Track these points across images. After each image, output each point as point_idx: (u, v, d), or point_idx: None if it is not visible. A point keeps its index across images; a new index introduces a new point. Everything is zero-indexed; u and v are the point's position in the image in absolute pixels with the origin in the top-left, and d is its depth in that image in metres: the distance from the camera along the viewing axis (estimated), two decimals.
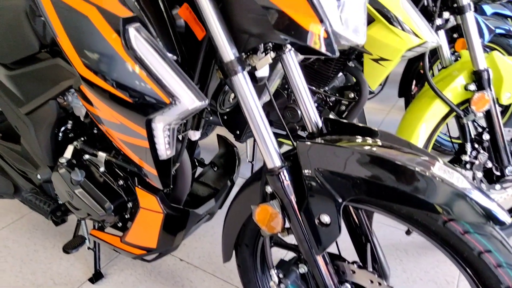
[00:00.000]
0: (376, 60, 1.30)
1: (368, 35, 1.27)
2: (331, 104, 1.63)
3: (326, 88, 1.62)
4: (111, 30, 0.68)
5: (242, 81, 0.71)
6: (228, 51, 0.69)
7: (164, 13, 0.77)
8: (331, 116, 1.57)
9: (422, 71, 1.95)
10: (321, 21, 0.59)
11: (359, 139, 0.77)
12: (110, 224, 1.14)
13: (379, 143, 0.74)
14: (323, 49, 0.60)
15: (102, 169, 1.07)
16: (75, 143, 1.10)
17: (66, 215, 1.23)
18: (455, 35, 1.61)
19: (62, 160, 1.08)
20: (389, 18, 1.21)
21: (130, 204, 1.08)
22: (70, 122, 1.15)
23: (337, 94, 1.61)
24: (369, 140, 0.76)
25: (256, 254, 0.97)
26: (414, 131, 1.37)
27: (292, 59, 0.84)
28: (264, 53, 0.80)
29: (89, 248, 1.41)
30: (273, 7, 0.60)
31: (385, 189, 0.67)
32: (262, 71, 0.81)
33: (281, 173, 0.74)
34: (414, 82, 2.08)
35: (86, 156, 1.09)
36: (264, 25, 0.63)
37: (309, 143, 0.73)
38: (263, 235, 0.83)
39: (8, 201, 1.89)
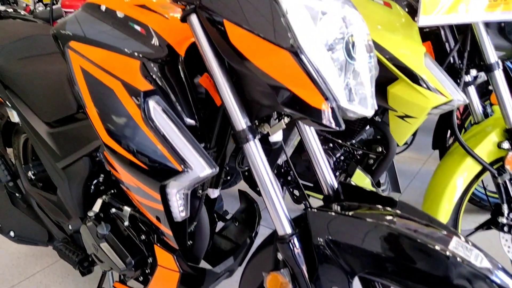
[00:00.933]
0: (401, 117, 1.29)
1: (391, 92, 1.28)
2: (358, 157, 1.61)
3: (353, 141, 1.61)
4: (132, 103, 0.73)
5: (253, 148, 0.73)
6: (240, 120, 0.72)
7: (185, 82, 0.82)
8: (359, 169, 1.54)
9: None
10: (326, 98, 0.61)
11: (376, 209, 0.75)
12: (131, 278, 1.16)
13: (397, 214, 0.72)
14: (329, 124, 0.61)
15: (126, 223, 1.10)
16: (104, 196, 1.16)
17: (92, 265, 1.27)
18: (490, 87, 1.57)
19: (91, 214, 1.13)
20: (413, 77, 1.21)
21: (150, 260, 1.09)
22: (101, 176, 1.21)
23: (365, 148, 1.59)
24: (387, 210, 0.74)
25: None
26: (445, 189, 1.31)
27: (307, 128, 0.86)
28: (277, 119, 0.83)
29: None
30: (278, 85, 0.62)
31: (399, 265, 0.64)
32: (276, 136, 0.83)
33: (292, 241, 0.73)
34: (449, 132, 2.01)
35: (113, 210, 1.14)
36: (273, 99, 0.65)
37: (319, 211, 0.72)
38: None
39: None
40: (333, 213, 0.71)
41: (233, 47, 0.64)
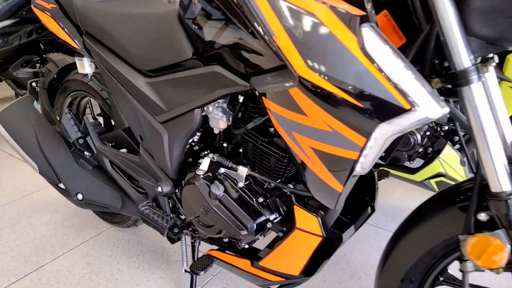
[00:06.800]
0: None
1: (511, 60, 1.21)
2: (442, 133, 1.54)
3: None
4: (345, 29, 0.62)
5: (475, 92, 0.63)
6: (463, 57, 0.62)
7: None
8: (449, 145, 1.46)
9: None
10: None
11: None
12: (244, 244, 1.05)
13: None
14: None
15: (241, 184, 0.99)
16: (211, 155, 1.04)
17: (182, 232, 1.15)
18: None
19: (199, 172, 1.01)
20: None
21: (269, 225, 0.99)
22: (197, 134, 1.09)
23: (452, 123, 1.52)
24: None
25: None
26: None
27: (493, 78, 0.77)
28: None
29: (185, 271, 1.31)
30: None
31: None
32: None
33: (510, 200, 0.64)
34: None
35: (222, 170, 1.02)
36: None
37: None
38: (462, 270, 0.72)
39: (85, 216, 1.84)
40: None
41: None
